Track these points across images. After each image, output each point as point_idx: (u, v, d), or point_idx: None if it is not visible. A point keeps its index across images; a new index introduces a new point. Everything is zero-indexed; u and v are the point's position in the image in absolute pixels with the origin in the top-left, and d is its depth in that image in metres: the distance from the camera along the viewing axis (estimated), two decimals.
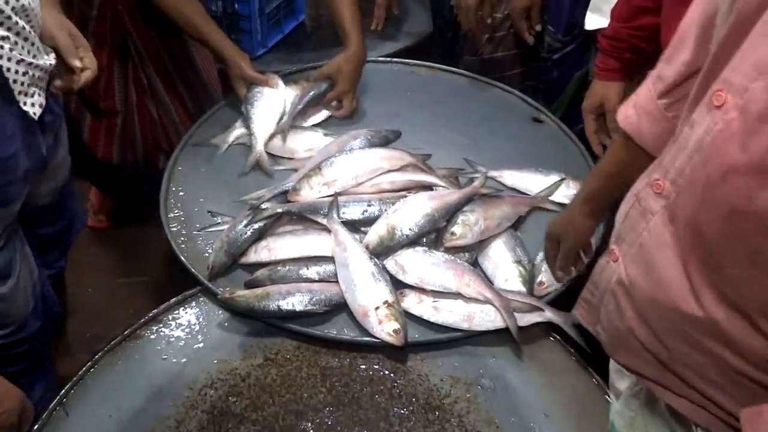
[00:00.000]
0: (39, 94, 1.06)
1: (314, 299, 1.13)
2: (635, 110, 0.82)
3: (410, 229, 1.20)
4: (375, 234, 1.20)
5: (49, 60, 1.07)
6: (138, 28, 1.59)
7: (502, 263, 1.22)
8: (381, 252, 1.19)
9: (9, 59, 0.98)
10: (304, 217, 1.26)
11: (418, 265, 1.17)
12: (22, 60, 1.00)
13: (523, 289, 1.18)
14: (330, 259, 1.19)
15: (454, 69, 1.80)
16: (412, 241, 1.21)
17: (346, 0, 1.54)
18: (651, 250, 0.66)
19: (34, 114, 1.05)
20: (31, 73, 1.02)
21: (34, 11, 1.01)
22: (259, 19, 1.93)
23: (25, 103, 1.03)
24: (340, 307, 1.15)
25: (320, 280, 1.18)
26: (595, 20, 1.53)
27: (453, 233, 1.20)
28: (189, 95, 1.75)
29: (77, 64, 1.08)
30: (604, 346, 0.79)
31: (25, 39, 1.00)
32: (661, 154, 0.68)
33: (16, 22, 0.97)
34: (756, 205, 0.54)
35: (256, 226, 1.22)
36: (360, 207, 1.26)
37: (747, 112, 0.54)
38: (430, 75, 1.77)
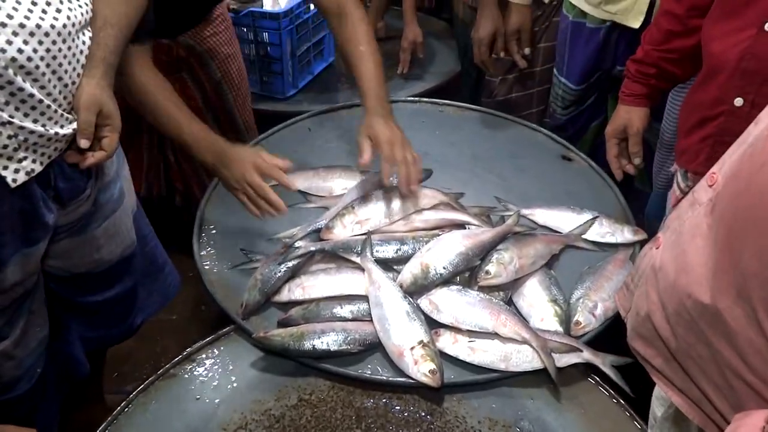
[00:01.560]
0: (34, 161, 0.99)
1: (348, 338, 1.12)
2: None
3: (444, 268, 1.19)
4: (409, 273, 1.19)
5: (60, 129, 1.00)
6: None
7: (538, 302, 1.20)
8: (415, 291, 1.18)
9: None
10: (338, 256, 1.26)
11: (453, 304, 1.16)
12: (10, 122, 0.93)
13: (560, 328, 1.16)
14: (364, 298, 1.19)
15: (481, 108, 1.82)
16: (446, 280, 1.20)
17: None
18: (686, 237, 0.68)
19: (14, 180, 0.97)
20: (21, 137, 0.95)
21: (46, 77, 0.95)
22: (290, 61, 1.98)
23: (5, 167, 0.95)
24: (374, 347, 1.14)
25: (354, 319, 1.17)
26: None
27: (487, 272, 1.19)
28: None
29: (82, 144, 1.02)
30: (627, 333, 0.80)
31: (23, 101, 0.93)
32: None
33: (10, 81, 0.91)
34: None
35: (289, 264, 1.23)
36: (393, 246, 1.26)
37: None
38: (458, 114, 1.79)
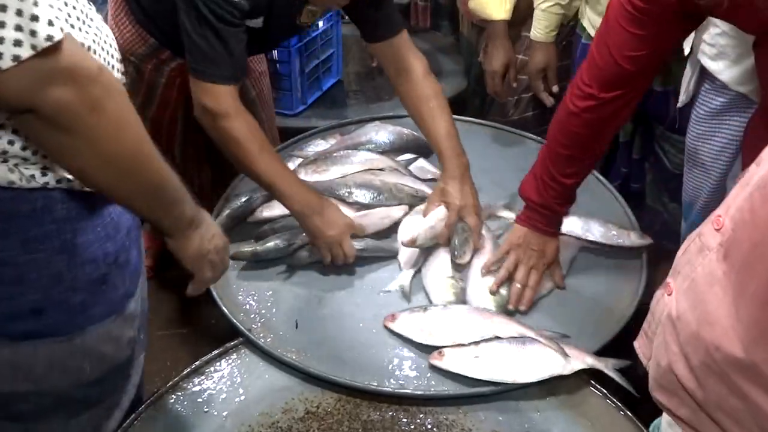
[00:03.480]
0: None
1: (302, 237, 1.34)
2: None
3: None
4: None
5: None
6: None
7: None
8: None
9: None
10: None
11: (445, 324, 1.17)
12: None
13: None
14: None
15: (488, 122, 1.83)
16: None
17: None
18: (702, 285, 0.65)
19: None
20: None
21: None
22: (299, 78, 2.01)
23: None
24: None
25: None
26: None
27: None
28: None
29: None
30: (649, 383, 0.77)
31: None
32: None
33: None
34: None
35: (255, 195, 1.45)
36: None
37: None
38: (465, 128, 1.79)
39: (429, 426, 1.07)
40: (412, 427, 1.07)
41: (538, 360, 1.10)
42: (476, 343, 1.13)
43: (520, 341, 1.14)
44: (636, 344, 0.83)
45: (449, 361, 1.12)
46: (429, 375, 1.13)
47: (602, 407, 1.09)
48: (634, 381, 1.09)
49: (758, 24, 0.95)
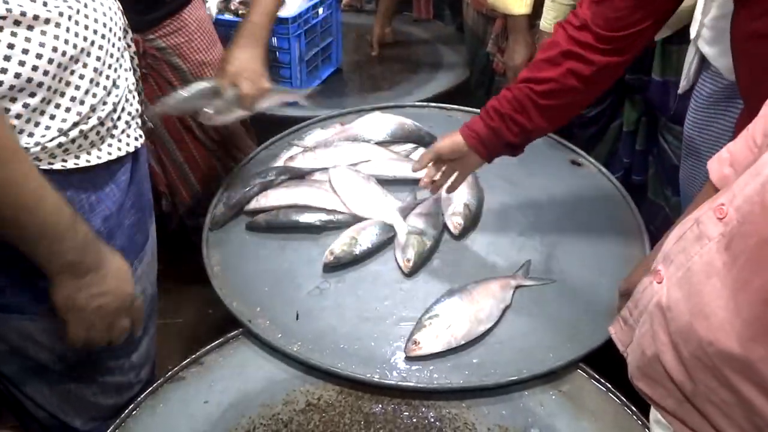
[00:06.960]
0: None
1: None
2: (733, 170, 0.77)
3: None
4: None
5: None
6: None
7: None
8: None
9: None
10: (299, 177, 1.50)
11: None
12: None
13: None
14: (320, 209, 1.40)
15: None
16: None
17: None
18: (699, 276, 0.63)
19: None
20: None
21: None
22: (298, 66, 1.98)
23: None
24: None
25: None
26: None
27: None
28: (206, 137, 1.72)
29: None
30: (629, 371, 0.76)
31: None
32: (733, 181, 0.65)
33: None
34: None
35: (254, 183, 1.44)
36: None
37: None
38: (467, 119, 1.77)
39: (431, 419, 1.06)
40: (415, 420, 1.06)
41: (491, 293, 1.21)
42: (433, 315, 1.15)
43: (463, 290, 1.20)
44: (612, 330, 0.80)
45: (427, 345, 1.11)
46: (432, 368, 1.11)
47: (606, 402, 1.08)
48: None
49: None
